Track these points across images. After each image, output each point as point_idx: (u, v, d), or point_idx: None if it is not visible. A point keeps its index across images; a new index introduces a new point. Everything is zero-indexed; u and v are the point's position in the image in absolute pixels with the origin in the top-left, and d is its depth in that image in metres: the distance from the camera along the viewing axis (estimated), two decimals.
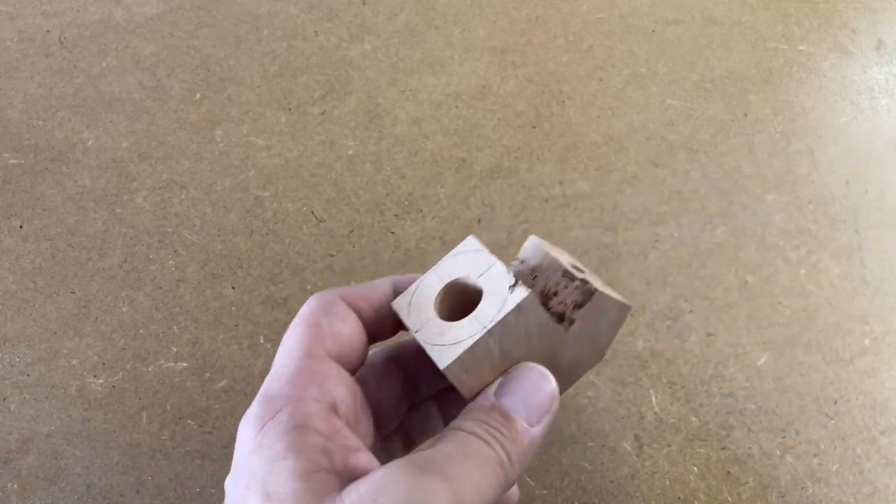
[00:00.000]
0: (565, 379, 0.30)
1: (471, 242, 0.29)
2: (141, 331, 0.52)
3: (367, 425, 0.28)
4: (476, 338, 0.26)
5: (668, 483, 0.48)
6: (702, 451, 0.49)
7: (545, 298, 0.29)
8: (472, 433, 0.26)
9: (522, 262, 0.30)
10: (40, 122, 0.58)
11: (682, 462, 0.49)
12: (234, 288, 0.53)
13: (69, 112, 0.58)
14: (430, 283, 0.28)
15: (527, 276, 0.29)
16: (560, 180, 0.58)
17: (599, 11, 0.65)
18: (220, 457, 0.49)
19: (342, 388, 0.27)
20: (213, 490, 0.48)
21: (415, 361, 0.32)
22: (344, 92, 0.60)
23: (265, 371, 0.51)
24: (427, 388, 0.33)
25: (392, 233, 0.55)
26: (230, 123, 0.58)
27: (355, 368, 0.29)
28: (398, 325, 0.30)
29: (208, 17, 0.63)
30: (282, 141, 0.58)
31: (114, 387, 0.50)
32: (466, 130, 0.59)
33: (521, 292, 0.26)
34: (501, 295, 0.27)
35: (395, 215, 0.56)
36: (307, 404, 0.25)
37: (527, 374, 0.28)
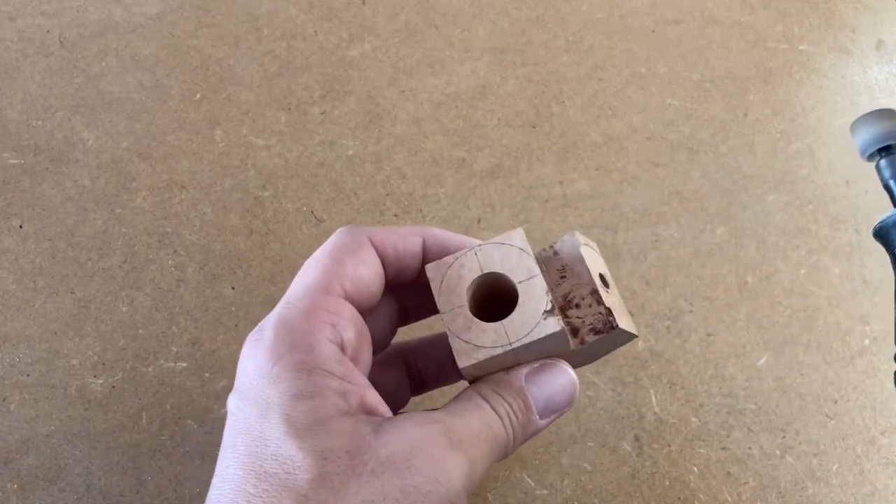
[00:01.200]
0: None
1: (518, 238, 0.28)
2: (141, 331, 0.52)
3: (367, 357, 0.29)
4: (498, 351, 0.26)
5: (668, 483, 0.48)
6: (702, 451, 0.49)
7: (566, 304, 0.29)
8: (495, 411, 0.26)
9: (556, 253, 0.30)
10: (40, 122, 0.58)
11: (682, 462, 0.49)
12: (234, 288, 0.53)
13: (69, 112, 0.58)
14: (467, 265, 0.28)
15: (554, 271, 0.29)
16: (560, 180, 0.58)
17: (599, 11, 0.65)
18: None
19: (351, 330, 0.27)
20: None
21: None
22: (344, 92, 0.60)
23: None
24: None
25: None
26: (230, 123, 0.58)
27: (367, 310, 0.29)
28: (417, 279, 0.30)
29: (208, 17, 0.63)
30: (282, 141, 0.58)
31: (114, 387, 0.50)
32: (466, 130, 0.59)
33: (554, 325, 0.27)
34: (535, 317, 0.27)
35: (395, 215, 0.56)
36: (323, 346, 0.25)
37: (560, 374, 0.29)
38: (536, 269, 0.27)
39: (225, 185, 0.56)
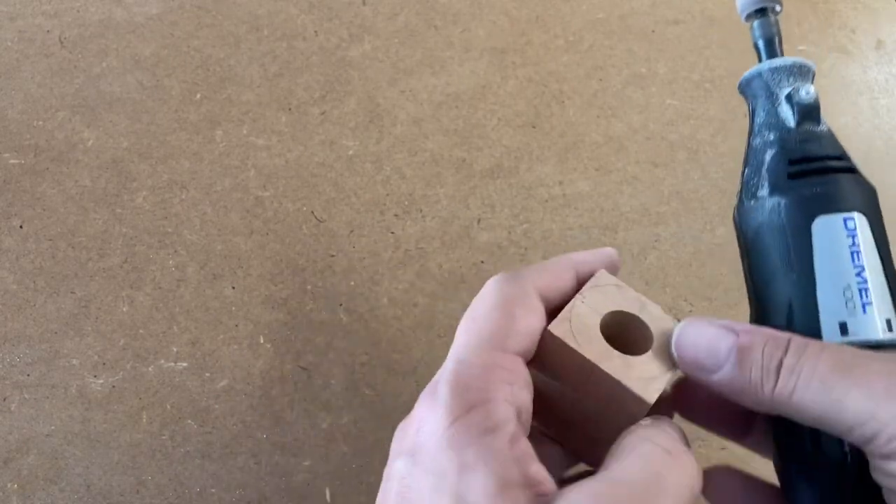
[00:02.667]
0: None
1: (605, 277, 0.30)
2: (141, 331, 0.52)
3: (529, 423, 0.27)
4: (669, 375, 0.28)
5: None
6: (702, 451, 0.49)
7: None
8: (666, 451, 0.24)
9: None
10: (40, 122, 0.58)
11: None
12: (234, 288, 0.53)
13: (69, 112, 0.58)
14: (584, 313, 0.29)
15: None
16: (560, 180, 0.58)
17: (599, 11, 0.65)
18: (220, 457, 0.49)
19: (526, 393, 0.25)
20: (213, 490, 0.48)
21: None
22: (344, 92, 0.60)
23: (265, 371, 0.51)
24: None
25: (392, 233, 0.55)
26: (230, 123, 0.58)
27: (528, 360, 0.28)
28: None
29: (208, 17, 0.63)
30: (282, 141, 0.58)
31: (114, 387, 0.50)
32: (466, 130, 0.59)
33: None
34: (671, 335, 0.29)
35: (395, 215, 0.56)
36: (500, 407, 0.24)
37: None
38: (642, 297, 0.30)
39: (225, 185, 0.56)
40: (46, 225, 0.55)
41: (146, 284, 0.53)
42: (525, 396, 0.25)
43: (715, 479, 0.31)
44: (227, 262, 0.54)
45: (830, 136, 0.31)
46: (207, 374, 0.51)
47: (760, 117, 0.31)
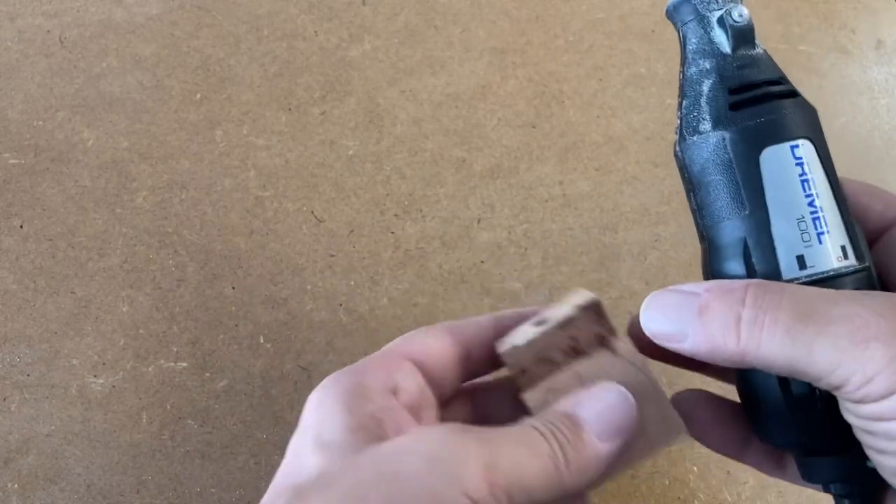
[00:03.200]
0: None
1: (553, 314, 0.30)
2: (141, 331, 0.52)
3: (429, 418, 0.29)
4: (534, 332, 0.29)
5: (667, 483, 0.48)
6: (702, 450, 0.49)
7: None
8: (534, 427, 0.26)
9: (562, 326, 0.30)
10: (40, 122, 0.58)
11: (681, 462, 0.49)
12: (234, 288, 0.53)
13: (69, 112, 0.58)
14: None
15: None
16: (560, 180, 0.58)
17: (599, 11, 0.65)
18: (220, 457, 0.49)
19: (409, 381, 0.28)
20: (213, 490, 0.48)
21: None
22: (344, 92, 0.60)
23: (265, 371, 0.51)
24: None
25: (392, 233, 0.55)
26: (230, 123, 0.58)
27: (444, 391, 0.30)
28: (494, 364, 0.31)
29: (208, 17, 0.63)
30: (282, 141, 0.58)
31: (114, 387, 0.50)
32: (466, 130, 0.59)
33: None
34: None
35: (395, 215, 0.56)
36: (370, 380, 0.26)
37: (607, 391, 0.28)
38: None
39: (225, 185, 0.56)
40: (46, 225, 0.55)
41: (146, 284, 0.53)
42: (405, 382, 0.28)
43: (683, 403, 0.32)
44: (227, 262, 0.54)
45: (768, 59, 0.30)
46: (207, 374, 0.51)
47: (692, 44, 0.30)
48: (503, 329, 0.31)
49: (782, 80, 0.29)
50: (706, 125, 0.28)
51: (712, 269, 0.28)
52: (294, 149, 0.58)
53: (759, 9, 0.65)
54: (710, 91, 0.28)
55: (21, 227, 0.55)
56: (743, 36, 0.29)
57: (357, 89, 0.60)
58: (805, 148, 0.27)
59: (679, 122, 0.29)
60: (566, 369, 0.30)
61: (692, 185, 0.29)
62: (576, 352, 0.30)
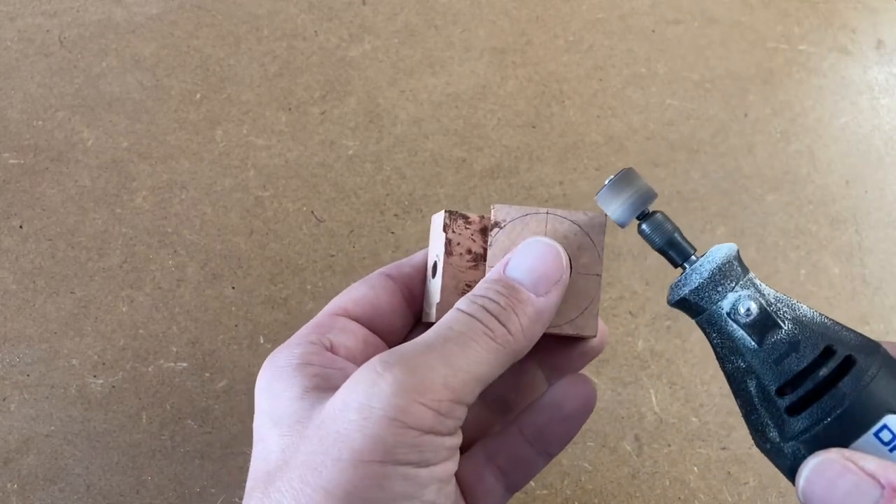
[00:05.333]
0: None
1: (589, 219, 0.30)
2: (141, 331, 0.52)
3: None
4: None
5: (668, 483, 0.48)
6: (702, 451, 0.49)
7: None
8: (463, 311, 0.26)
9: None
10: (40, 122, 0.58)
11: (682, 462, 0.49)
12: (234, 288, 0.53)
13: (69, 112, 0.58)
14: (532, 226, 0.30)
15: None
16: (560, 180, 0.58)
17: (599, 11, 0.65)
18: (220, 457, 0.49)
19: (344, 336, 0.29)
20: (212, 490, 0.48)
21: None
22: (344, 92, 0.60)
23: None
24: None
25: (392, 233, 0.55)
26: (230, 123, 0.58)
27: (394, 334, 0.31)
28: None
29: (208, 17, 0.63)
30: (282, 141, 0.58)
31: (114, 387, 0.50)
32: (466, 130, 0.59)
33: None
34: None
35: (395, 215, 0.56)
36: (303, 346, 0.28)
37: (534, 245, 0.28)
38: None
39: (225, 185, 0.56)
40: (46, 225, 0.55)
41: (146, 284, 0.53)
42: (340, 338, 0.28)
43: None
44: (227, 262, 0.54)
45: (803, 326, 0.25)
46: (207, 375, 0.51)
47: (715, 340, 0.26)
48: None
49: (831, 347, 0.25)
50: (773, 433, 0.25)
51: None
52: (294, 149, 0.58)
53: (760, 9, 0.65)
54: (758, 393, 0.25)
55: (21, 227, 0.55)
56: (761, 327, 0.25)
57: (357, 89, 0.60)
58: (890, 423, 0.23)
59: (745, 422, 0.26)
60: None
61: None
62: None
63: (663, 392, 0.50)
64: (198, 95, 0.59)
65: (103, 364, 0.51)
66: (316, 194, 0.56)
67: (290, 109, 0.59)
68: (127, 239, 0.54)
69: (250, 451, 0.49)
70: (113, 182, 0.56)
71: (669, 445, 0.49)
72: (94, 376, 0.50)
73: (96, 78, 0.60)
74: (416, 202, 0.56)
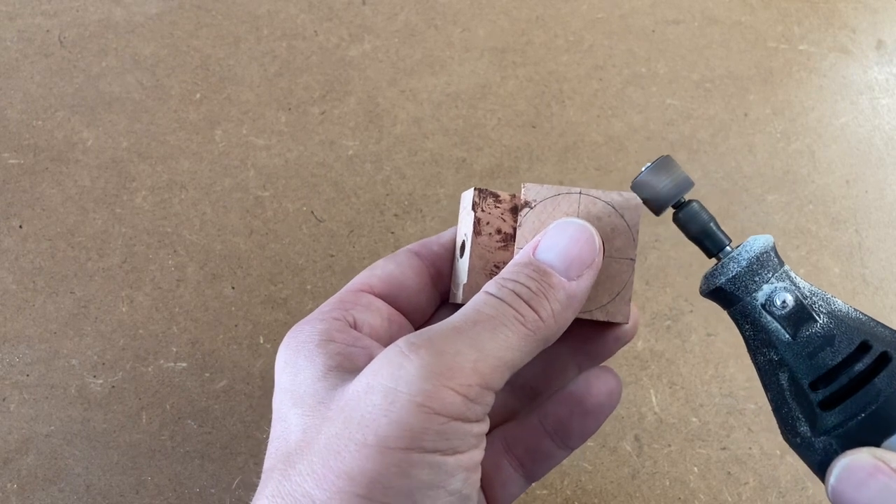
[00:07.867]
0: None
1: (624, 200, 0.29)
2: (141, 331, 0.52)
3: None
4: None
5: (668, 483, 0.48)
6: (702, 451, 0.49)
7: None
8: (492, 294, 0.25)
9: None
10: (40, 122, 0.58)
11: (682, 462, 0.49)
12: (234, 288, 0.53)
13: (69, 112, 0.58)
14: (563, 206, 0.30)
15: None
16: (560, 180, 0.58)
17: (599, 11, 0.65)
18: (220, 457, 0.49)
19: (368, 314, 0.28)
20: (212, 490, 0.48)
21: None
22: (344, 92, 0.60)
23: (265, 371, 0.51)
24: None
25: (392, 233, 0.55)
26: (230, 123, 0.58)
27: (420, 312, 0.30)
28: None
29: (208, 17, 0.62)
30: (282, 141, 0.58)
31: (114, 387, 0.50)
32: (466, 130, 0.59)
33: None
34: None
35: (395, 215, 0.56)
36: (327, 321, 0.27)
37: (566, 227, 0.27)
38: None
39: (225, 185, 0.56)
40: (46, 225, 0.55)
41: (146, 284, 0.53)
42: (364, 315, 0.28)
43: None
44: (226, 262, 0.54)
45: (839, 321, 0.25)
46: (207, 374, 0.51)
47: (747, 331, 0.26)
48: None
49: (867, 342, 0.25)
50: (804, 427, 0.24)
51: None
52: (294, 149, 0.58)
53: (760, 9, 0.65)
54: (790, 386, 0.25)
55: (21, 227, 0.55)
56: (796, 320, 0.25)
57: (357, 89, 0.60)
58: None
59: (775, 416, 0.26)
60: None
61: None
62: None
63: (663, 392, 0.50)
64: (197, 95, 0.59)
65: (103, 364, 0.51)
66: (316, 194, 0.56)
67: (289, 109, 0.59)
68: (127, 239, 0.54)
69: (250, 452, 0.49)
70: (113, 182, 0.56)
71: (669, 445, 0.49)
72: (94, 376, 0.50)
73: (96, 78, 0.60)
74: (416, 202, 0.56)
